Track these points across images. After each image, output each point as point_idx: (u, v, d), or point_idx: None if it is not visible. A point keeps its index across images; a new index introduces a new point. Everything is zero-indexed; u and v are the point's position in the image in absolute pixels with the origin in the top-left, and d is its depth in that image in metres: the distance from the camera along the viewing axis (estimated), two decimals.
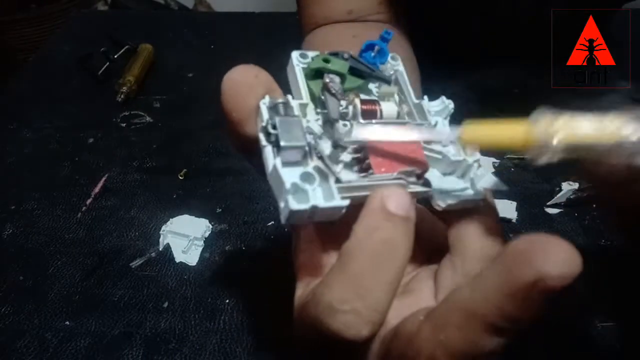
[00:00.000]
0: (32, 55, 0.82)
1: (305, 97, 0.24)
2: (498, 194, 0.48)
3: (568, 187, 0.47)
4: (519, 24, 0.63)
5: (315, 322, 0.22)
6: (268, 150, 0.22)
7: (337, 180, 0.22)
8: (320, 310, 0.21)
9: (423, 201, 0.24)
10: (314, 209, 0.21)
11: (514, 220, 0.46)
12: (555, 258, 0.17)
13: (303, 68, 0.25)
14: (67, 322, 0.39)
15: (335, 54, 0.25)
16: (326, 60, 0.24)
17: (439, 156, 0.24)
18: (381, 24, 0.55)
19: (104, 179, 0.52)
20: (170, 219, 0.46)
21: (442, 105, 0.26)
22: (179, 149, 0.56)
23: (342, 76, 0.24)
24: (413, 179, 0.23)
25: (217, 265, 0.43)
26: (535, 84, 0.65)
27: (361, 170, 0.22)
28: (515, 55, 0.68)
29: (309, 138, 0.22)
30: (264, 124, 0.21)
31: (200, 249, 0.44)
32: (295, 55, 0.25)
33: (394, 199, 0.21)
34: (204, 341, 0.37)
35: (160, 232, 0.45)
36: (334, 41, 0.53)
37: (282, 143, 0.21)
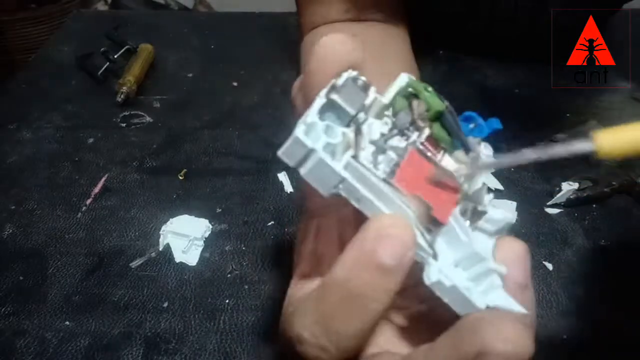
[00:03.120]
0: (32, 55, 0.82)
1: (387, 99, 0.22)
2: (498, 193, 0.48)
3: (568, 187, 0.47)
4: (519, 24, 0.63)
5: (289, 341, 0.22)
6: (319, 103, 0.20)
7: (354, 157, 0.19)
8: (293, 333, 0.21)
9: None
10: (312, 154, 0.19)
11: (514, 221, 0.46)
12: (503, 334, 0.16)
13: (404, 85, 0.23)
14: (67, 322, 0.39)
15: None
16: (427, 90, 0.22)
17: (464, 238, 0.20)
18: (380, 23, 0.55)
19: (104, 179, 0.52)
20: (170, 219, 0.46)
21: (504, 223, 0.23)
22: (179, 149, 0.56)
23: (439, 116, 0.22)
24: (422, 227, 0.20)
25: (217, 265, 0.43)
26: (535, 84, 0.65)
27: (387, 172, 0.20)
28: (515, 55, 0.68)
29: (362, 115, 0.20)
30: (335, 81, 0.20)
31: (200, 249, 0.44)
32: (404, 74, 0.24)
33: (390, 243, 0.18)
34: (204, 341, 0.37)
35: (160, 232, 0.45)
36: None
37: (338, 82, 0.20)
